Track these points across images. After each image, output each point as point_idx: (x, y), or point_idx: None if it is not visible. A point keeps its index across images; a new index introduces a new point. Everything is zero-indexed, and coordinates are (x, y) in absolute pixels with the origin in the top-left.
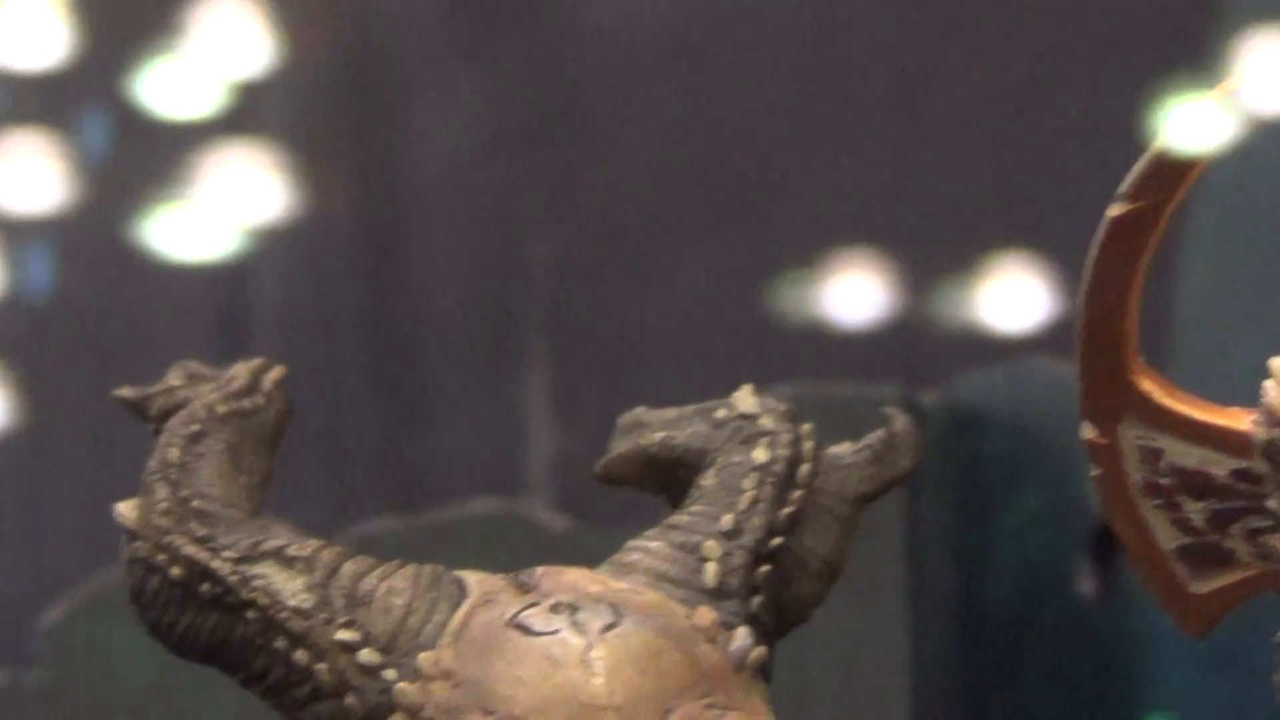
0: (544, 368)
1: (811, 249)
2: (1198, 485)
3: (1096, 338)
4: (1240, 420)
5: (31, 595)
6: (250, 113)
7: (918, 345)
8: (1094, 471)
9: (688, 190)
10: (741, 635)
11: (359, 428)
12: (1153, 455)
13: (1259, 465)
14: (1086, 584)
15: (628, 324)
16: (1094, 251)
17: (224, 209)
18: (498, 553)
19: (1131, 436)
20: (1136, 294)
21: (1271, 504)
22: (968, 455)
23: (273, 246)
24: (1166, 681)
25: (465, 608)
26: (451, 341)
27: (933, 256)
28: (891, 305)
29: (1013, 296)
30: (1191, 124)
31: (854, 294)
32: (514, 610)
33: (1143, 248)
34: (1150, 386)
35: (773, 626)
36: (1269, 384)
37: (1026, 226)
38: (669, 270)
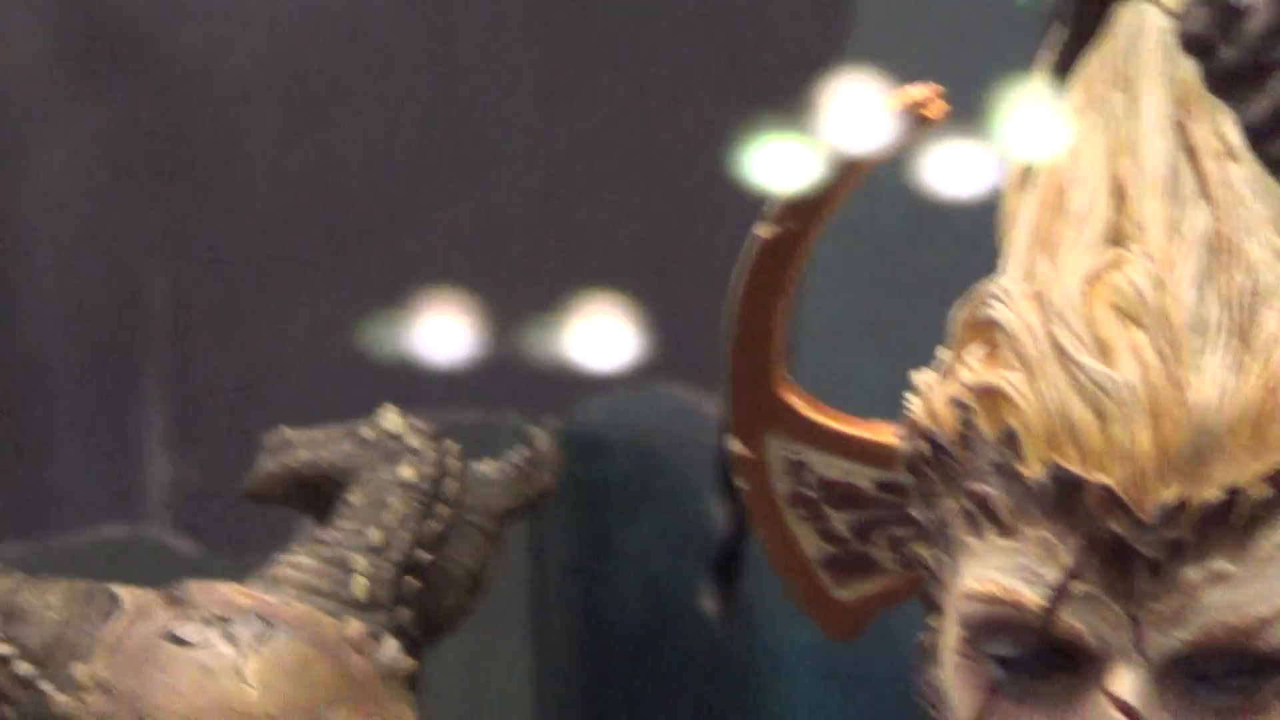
0: (162, 398)
1: (434, 279)
2: (842, 496)
3: (743, 354)
4: (884, 433)
5: None
6: None
7: (540, 372)
8: (740, 484)
9: (305, 225)
10: (390, 646)
11: None
12: (798, 468)
13: (902, 476)
14: (710, 603)
15: (248, 355)
16: (742, 270)
17: None
18: (126, 577)
19: (777, 449)
20: (783, 312)
21: (914, 513)
22: (590, 479)
23: None
24: (792, 697)
25: (119, 621)
26: (66, 374)
27: (555, 285)
28: (514, 333)
29: (633, 324)
30: (836, 150)
31: (477, 323)
32: (166, 623)
33: (788, 267)
34: (795, 401)
35: (420, 637)
36: (914, 398)
37: (646, 255)
38: (289, 302)
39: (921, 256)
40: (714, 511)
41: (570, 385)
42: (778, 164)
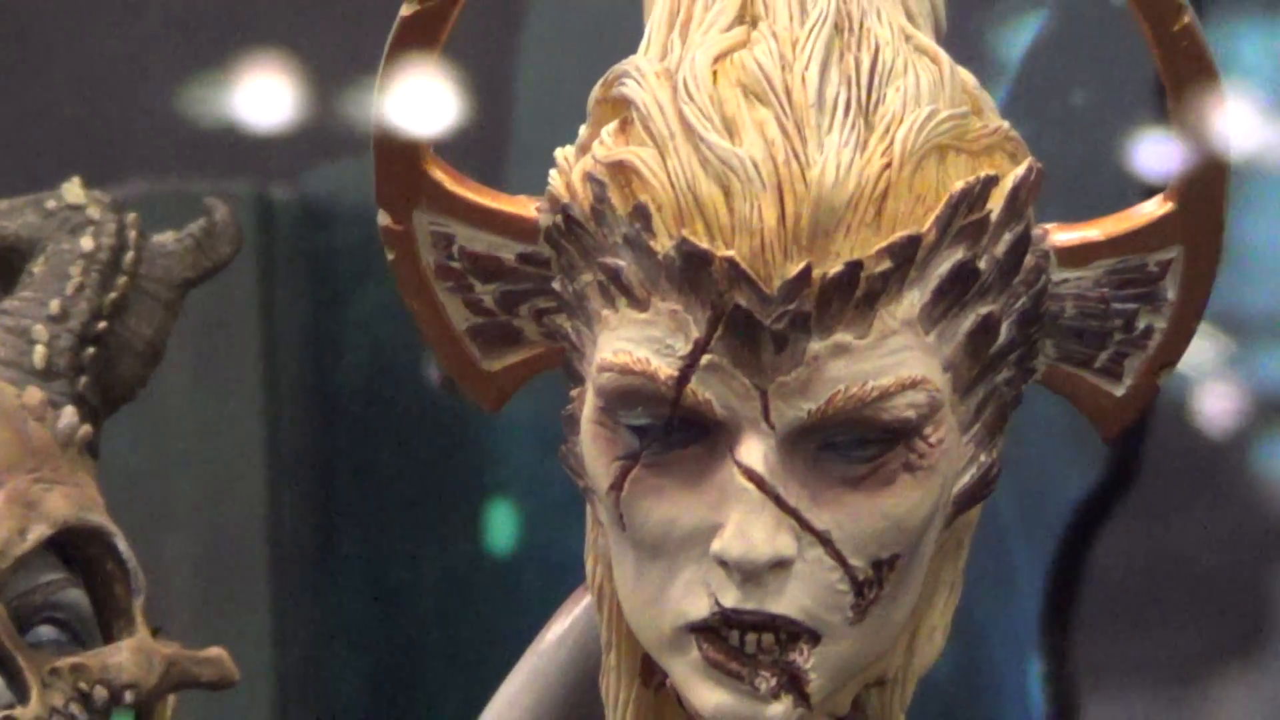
0: None
1: (166, 48)
2: (487, 269)
3: (390, 130)
4: (526, 207)
5: None
6: None
7: (269, 141)
8: (390, 256)
9: None
10: (68, 414)
11: None
12: (445, 240)
13: (543, 249)
14: (433, 370)
15: None
16: (387, 49)
17: None
18: None
19: (425, 223)
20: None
21: (555, 286)
22: (319, 247)
23: None
24: (511, 462)
25: None
26: None
27: (284, 54)
28: (243, 102)
29: (362, 94)
30: None
31: (206, 91)
32: None
33: (433, 45)
34: (441, 175)
35: (99, 405)
36: (553, 172)
37: (377, 26)
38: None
39: (634, 27)
40: None
41: (299, 154)
42: None
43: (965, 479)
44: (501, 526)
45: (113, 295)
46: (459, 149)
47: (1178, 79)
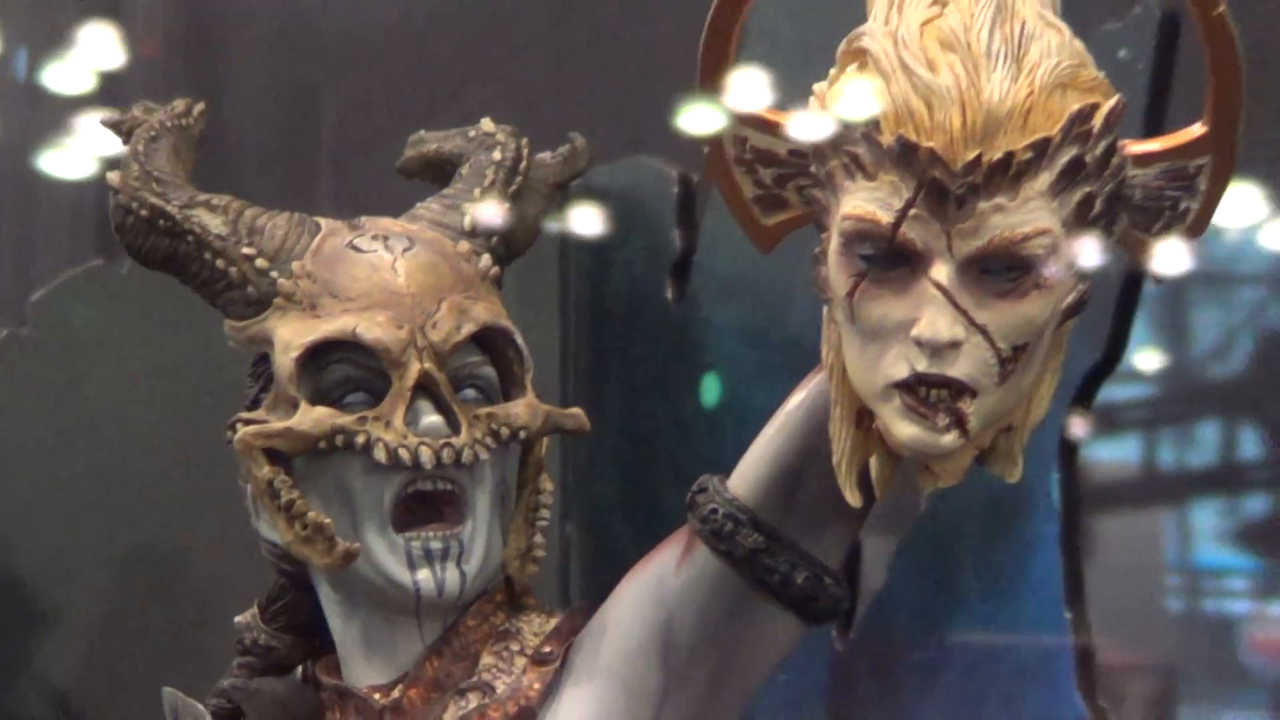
0: None
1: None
2: (767, 158)
3: (709, 67)
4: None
5: (23, 279)
6: None
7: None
8: (705, 150)
9: None
10: (485, 260)
11: None
12: (740, 141)
13: (805, 146)
14: (670, 292)
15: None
16: (711, 13)
17: None
18: None
19: (728, 130)
20: (736, 37)
21: (812, 169)
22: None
23: None
24: (720, 352)
25: (320, 236)
26: None
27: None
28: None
29: (626, 102)
30: None
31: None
32: (349, 239)
33: (740, 7)
34: None
35: (505, 256)
36: (812, 99)
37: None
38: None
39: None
40: (675, 236)
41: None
42: None
43: (1070, 299)
44: None
45: (512, 188)
46: None
47: (1213, 49)
